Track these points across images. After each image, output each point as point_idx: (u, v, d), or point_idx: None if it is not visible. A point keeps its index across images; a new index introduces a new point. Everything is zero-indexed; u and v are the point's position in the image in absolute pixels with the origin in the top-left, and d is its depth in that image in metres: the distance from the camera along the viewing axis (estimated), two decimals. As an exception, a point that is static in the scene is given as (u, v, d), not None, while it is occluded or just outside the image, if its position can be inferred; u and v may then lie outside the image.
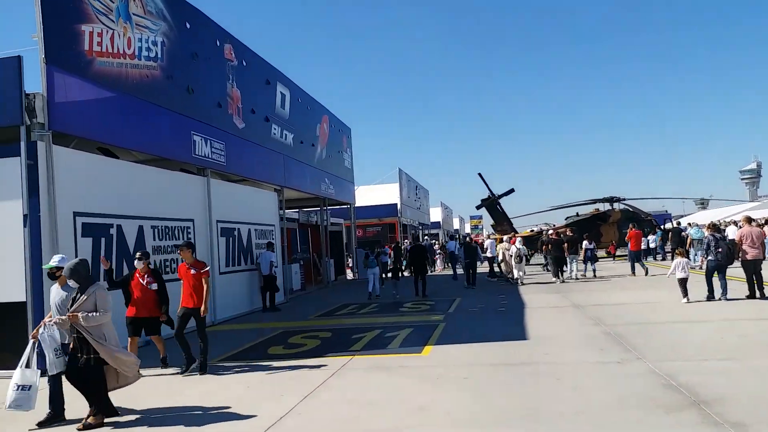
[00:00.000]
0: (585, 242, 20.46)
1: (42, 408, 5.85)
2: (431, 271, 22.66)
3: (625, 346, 7.95)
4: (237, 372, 7.82)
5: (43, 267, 5.80)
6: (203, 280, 7.93)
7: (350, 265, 28.15)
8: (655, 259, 26.80)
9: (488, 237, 27.14)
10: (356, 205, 27.96)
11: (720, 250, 11.52)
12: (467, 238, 23.71)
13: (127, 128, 10.61)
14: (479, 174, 30.30)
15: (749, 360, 6.77)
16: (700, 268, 12.02)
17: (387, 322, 11.51)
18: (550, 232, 25.48)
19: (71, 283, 5.82)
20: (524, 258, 18.95)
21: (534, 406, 5.52)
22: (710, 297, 11.60)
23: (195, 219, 12.71)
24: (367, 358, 8.19)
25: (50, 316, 5.99)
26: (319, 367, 7.73)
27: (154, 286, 8.03)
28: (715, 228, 12.84)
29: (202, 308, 7.86)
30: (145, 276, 8.02)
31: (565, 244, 18.69)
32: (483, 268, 21.39)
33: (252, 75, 16.00)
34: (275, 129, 17.50)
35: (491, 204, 29.99)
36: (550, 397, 5.77)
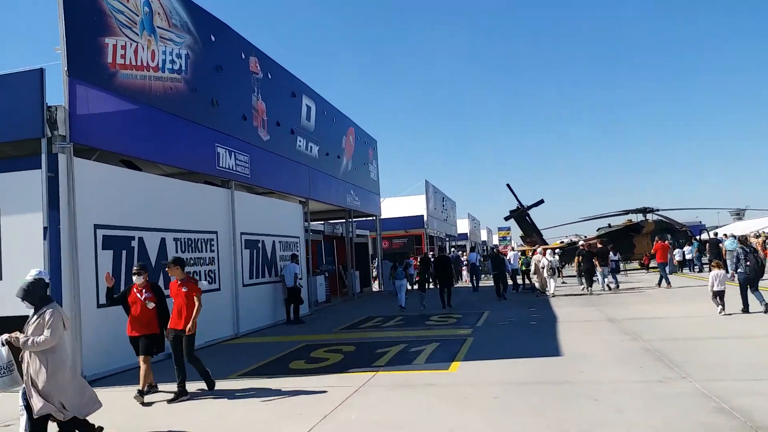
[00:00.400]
0: (610, 254, 19.99)
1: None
2: (457, 283, 22.21)
3: (666, 363, 7.45)
4: (256, 388, 7.54)
5: (19, 281, 5.33)
6: (195, 299, 7.32)
7: (375, 275, 27.84)
8: (691, 270, 25.83)
9: (512, 249, 26.60)
10: (382, 217, 27.71)
11: (749, 263, 11.33)
12: (494, 250, 23.21)
13: (150, 141, 10.55)
14: (507, 185, 29.84)
15: (806, 380, 6.23)
16: (734, 280, 11.76)
17: (413, 336, 11.15)
18: (581, 243, 24.84)
19: (25, 304, 5.20)
20: (556, 270, 18.42)
21: (572, 430, 5.11)
22: (745, 310, 11.36)
23: (219, 231, 12.59)
24: (391, 375, 7.84)
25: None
26: (341, 383, 7.42)
27: (151, 305, 7.29)
28: (744, 241, 12.90)
29: (189, 325, 7.22)
30: (144, 291, 7.33)
31: (596, 257, 18.37)
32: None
33: (277, 87, 15.94)
34: (300, 141, 17.39)
35: (520, 215, 29.45)
36: (590, 420, 5.34)
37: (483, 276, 30.75)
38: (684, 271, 26.15)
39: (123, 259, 9.62)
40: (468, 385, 6.97)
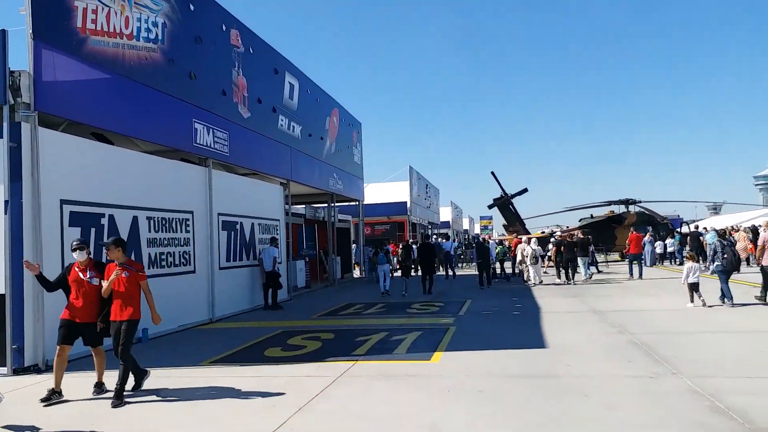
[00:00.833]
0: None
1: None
2: (439, 270, 22.09)
3: (654, 358, 7.22)
4: (228, 377, 7.15)
5: None
6: (141, 285, 6.35)
7: (356, 261, 27.48)
8: (672, 263, 25.92)
9: (489, 238, 26.48)
10: (365, 203, 27.27)
11: (725, 255, 11.58)
12: (481, 239, 23.08)
13: (123, 113, 9.99)
14: (492, 172, 29.58)
15: (800, 378, 6.03)
16: (711, 273, 12.02)
17: (394, 324, 10.83)
18: (557, 234, 24.78)
19: None
20: (540, 259, 18.26)
21: (561, 428, 4.82)
22: (723, 302, 11.62)
23: (195, 211, 12.09)
24: (371, 364, 7.51)
25: None
26: (318, 373, 7.06)
27: (96, 282, 6.32)
28: (721, 234, 13.27)
29: (155, 317, 6.43)
30: (87, 270, 6.33)
31: (576, 247, 18.37)
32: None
33: (259, 63, 15.36)
34: (282, 120, 16.85)
35: (504, 204, 29.24)
36: (580, 417, 5.06)
37: (464, 264, 30.62)
38: (665, 263, 26.24)
39: (92, 237, 9.09)
40: (451, 377, 6.66)
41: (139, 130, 10.51)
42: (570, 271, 18.20)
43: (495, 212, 31.49)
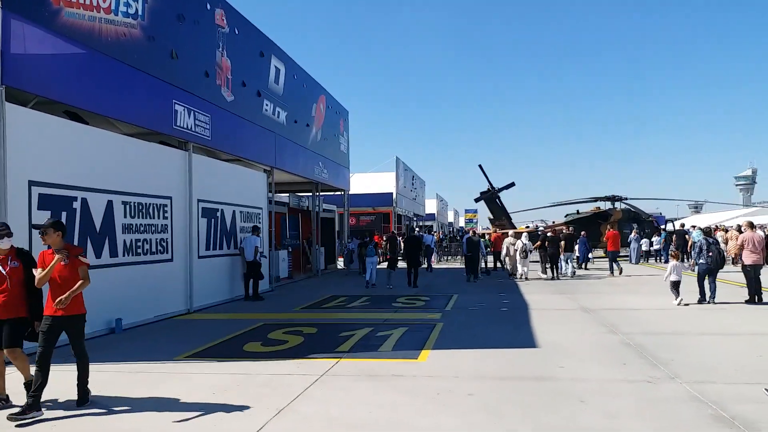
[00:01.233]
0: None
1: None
2: (423, 263, 21.86)
3: (650, 360, 6.96)
4: (203, 373, 6.74)
5: None
6: (80, 272, 5.48)
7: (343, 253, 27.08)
8: (657, 261, 25.92)
9: (474, 232, 26.28)
10: (350, 193, 26.84)
11: (711, 254, 11.71)
12: (471, 232, 22.84)
13: (98, 91, 9.44)
14: (479, 165, 29.23)
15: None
16: (693, 270, 12.16)
17: (379, 319, 10.47)
18: (541, 228, 24.66)
19: None
20: (528, 253, 18.04)
21: (559, 438, 4.51)
22: (701, 300, 11.78)
23: (173, 196, 11.59)
24: (355, 363, 7.14)
25: None
26: (299, 371, 6.69)
27: (17, 264, 5.51)
28: (707, 233, 13.36)
29: (63, 297, 5.28)
30: (9, 261, 5.48)
31: (562, 242, 18.26)
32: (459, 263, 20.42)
33: (245, 45, 14.81)
34: (267, 105, 16.33)
35: (490, 197, 28.96)
36: (582, 427, 4.75)
37: (449, 258, 30.36)
38: (650, 261, 26.24)
39: (63, 221, 8.57)
40: (440, 379, 6.32)
41: (115, 109, 9.96)
42: (555, 266, 18.09)
43: (480, 206, 31.26)
